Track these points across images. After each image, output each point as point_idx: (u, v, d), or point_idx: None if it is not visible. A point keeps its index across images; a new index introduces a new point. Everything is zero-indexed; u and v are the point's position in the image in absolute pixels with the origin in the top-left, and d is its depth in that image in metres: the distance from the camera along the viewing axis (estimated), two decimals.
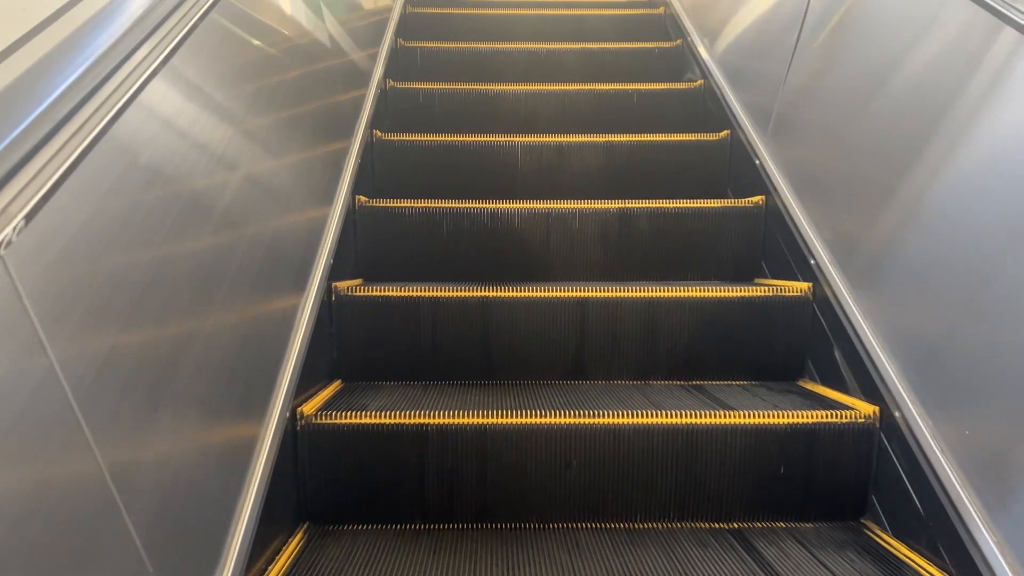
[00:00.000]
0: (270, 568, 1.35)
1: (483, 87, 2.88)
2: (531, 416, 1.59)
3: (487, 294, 1.92)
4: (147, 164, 1.03)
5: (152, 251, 1.01)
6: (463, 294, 1.93)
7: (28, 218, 0.73)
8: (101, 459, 0.82)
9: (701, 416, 1.59)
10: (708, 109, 2.87)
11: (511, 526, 1.59)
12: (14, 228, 0.71)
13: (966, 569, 1.27)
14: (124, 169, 0.96)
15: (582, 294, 1.93)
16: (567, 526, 1.59)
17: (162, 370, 1.00)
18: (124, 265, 0.94)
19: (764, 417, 1.59)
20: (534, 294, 1.93)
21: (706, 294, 1.94)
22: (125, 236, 0.95)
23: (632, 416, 1.59)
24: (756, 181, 2.31)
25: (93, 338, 0.85)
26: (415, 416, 1.58)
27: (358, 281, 1.97)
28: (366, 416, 1.58)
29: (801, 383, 1.93)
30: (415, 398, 1.75)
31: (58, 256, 0.80)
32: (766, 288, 1.96)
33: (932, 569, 1.36)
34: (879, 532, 1.54)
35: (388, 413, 1.59)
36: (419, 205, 2.20)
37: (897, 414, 1.50)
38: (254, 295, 1.39)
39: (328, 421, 1.57)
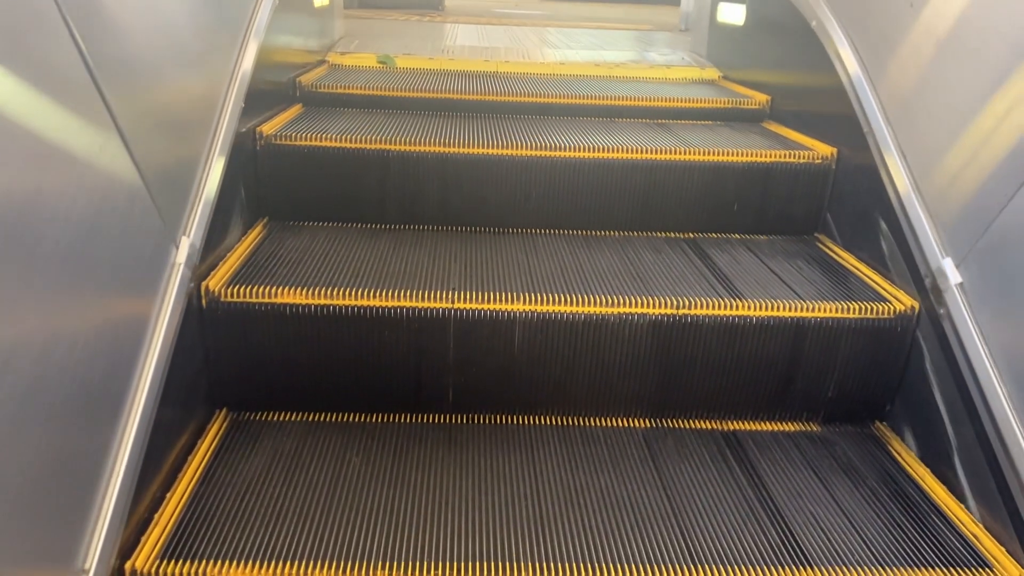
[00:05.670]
0: (229, 255, 1.36)
1: None
2: (493, 147, 1.58)
3: None
4: None
5: None
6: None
7: None
8: None
9: (662, 152, 1.59)
10: None
11: (471, 229, 1.62)
12: None
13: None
14: None
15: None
16: (526, 231, 1.62)
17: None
18: None
19: (725, 155, 1.59)
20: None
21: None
22: None
23: (593, 150, 1.58)
24: None
25: None
26: (376, 141, 1.56)
27: None
28: (327, 139, 1.56)
29: (765, 124, 1.92)
30: (377, 125, 1.72)
31: None
32: None
33: (875, 276, 1.41)
34: (830, 244, 1.58)
35: (350, 137, 1.56)
36: None
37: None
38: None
39: (288, 143, 1.54)
